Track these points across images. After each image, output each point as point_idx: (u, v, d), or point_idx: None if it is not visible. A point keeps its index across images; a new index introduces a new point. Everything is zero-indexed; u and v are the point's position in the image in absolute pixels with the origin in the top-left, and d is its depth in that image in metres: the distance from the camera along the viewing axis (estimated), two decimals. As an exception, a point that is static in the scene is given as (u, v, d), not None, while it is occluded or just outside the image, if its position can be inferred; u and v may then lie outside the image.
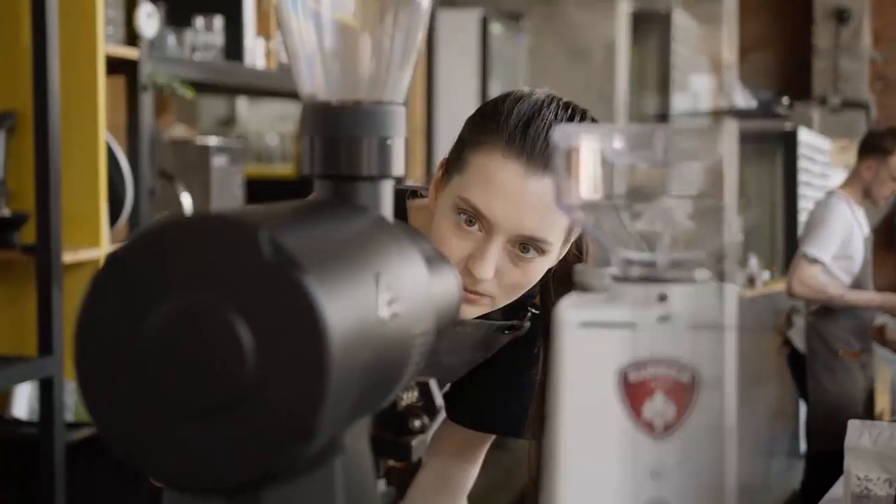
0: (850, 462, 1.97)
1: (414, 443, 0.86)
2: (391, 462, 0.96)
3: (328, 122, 0.83)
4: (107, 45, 2.57)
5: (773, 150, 6.81)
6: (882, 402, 4.66)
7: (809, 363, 4.35)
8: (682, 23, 7.50)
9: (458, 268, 1.25)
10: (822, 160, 7.52)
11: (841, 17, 9.33)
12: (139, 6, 2.66)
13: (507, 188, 1.23)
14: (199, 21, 3.07)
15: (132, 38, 2.68)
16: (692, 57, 7.99)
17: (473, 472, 1.51)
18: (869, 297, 4.38)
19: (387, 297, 0.71)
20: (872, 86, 9.63)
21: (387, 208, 0.84)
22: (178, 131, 3.67)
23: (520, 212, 1.23)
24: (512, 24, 5.39)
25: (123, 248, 0.66)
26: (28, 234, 2.43)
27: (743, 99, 5.56)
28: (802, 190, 7.01)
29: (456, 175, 1.28)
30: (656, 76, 7.37)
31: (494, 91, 5.69)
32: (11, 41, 2.47)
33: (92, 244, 2.52)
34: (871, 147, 4.34)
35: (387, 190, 0.84)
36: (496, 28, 5.12)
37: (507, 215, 1.23)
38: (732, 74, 5.42)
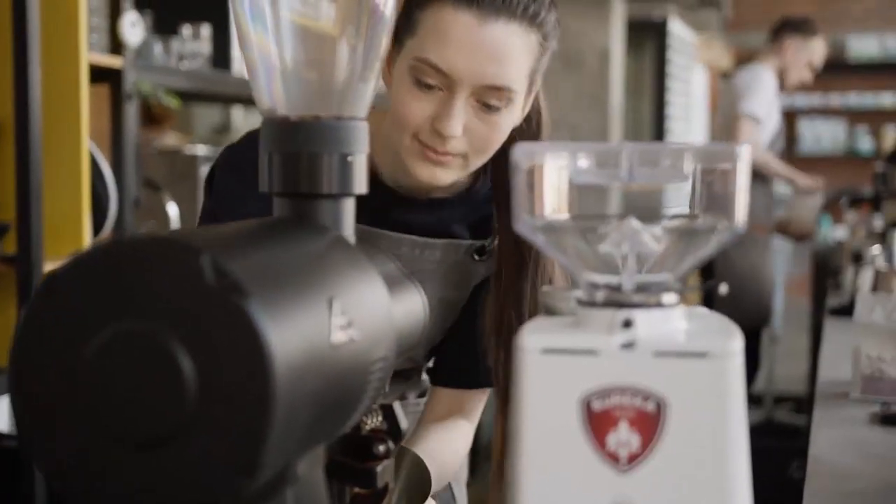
0: (859, 339, 1.83)
1: (379, 469, 0.83)
2: (356, 489, 0.93)
3: (287, 137, 0.80)
4: (91, 53, 2.54)
5: (643, 39, 6.97)
6: None
7: None
8: (678, 31, 7.49)
9: (423, 130, 1.24)
10: (688, 53, 7.71)
11: None
12: (124, 14, 2.63)
13: (463, 39, 1.20)
14: (186, 29, 3.04)
15: (117, 46, 2.65)
16: (688, 64, 8.00)
17: (471, 430, 1.46)
18: (788, 169, 4.60)
19: (341, 321, 0.68)
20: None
21: (348, 226, 0.82)
22: (171, 139, 3.64)
23: (479, 61, 1.20)
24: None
25: (63, 268, 0.63)
26: (9, 245, 2.40)
27: None
28: (669, 82, 7.19)
29: (407, 39, 1.25)
30: (652, 83, 7.37)
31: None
32: (-7, 49, 2.44)
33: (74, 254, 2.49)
34: (794, 27, 4.47)
35: (348, 207, 0.82)
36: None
37: (466, 67, 1.20)
38: None
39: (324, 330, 0.66)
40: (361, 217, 1.26)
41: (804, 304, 5.82)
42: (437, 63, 1.21)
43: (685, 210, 0.74)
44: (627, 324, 0.69)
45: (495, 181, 1.36)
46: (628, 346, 0.67)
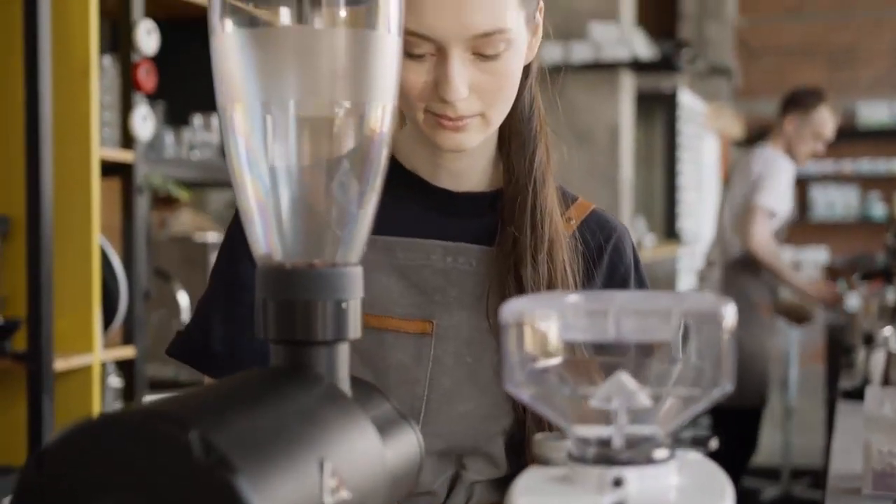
0: (870, 434, 1.79)
1: None
2: None
3: (282, 285, 0.81)
4: (102, 148, 2.57)
5: (653, 111, 7.01)
6: None
7: None
8: (688, 101, 7.54)
9: (431, 101, 1.15)
10: (699, 122, 7.75)
11: None
12: (135, 109, 2.67)
13: None
14: (197, 119, 3.08)
15: (128, 140, 2.69)
16: (698, 133, 8.04)
17: None
18: (806, 283, 4.58)
19: (332, 483, 0.69)
20: (736, 52, 9.82)
21: (342, 371, 0.82)
22: (185, 218, 3.67)
23: (457, 14, 1.11)
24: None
25: (52, 442, 0.64)
26: (19, 341, 2.41)
27: (644, 48, 5.60)
28: (679, 152, 7.22)
29: None
30: (663, 153, 7.41)
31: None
32: (4, 145, 2.47)
33: (85, 350, 2.50)
34: (794, 103, 4.49)
35: (343, 353, 0.82)
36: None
37: (446, 24, 1.11)
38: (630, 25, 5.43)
39: (315, 495, 0.66)
40: (390, 224, 1.24)
41: (820, 372, 5.80)
42: (416, 30, 1.12)
43: (677, 360, 0.74)
44: (618, 482, 0.69)
45: (500, 131, 1.27)
46: (618, 507, 0.67)
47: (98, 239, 2.53)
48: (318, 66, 0.80)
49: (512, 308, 0.71)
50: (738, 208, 4.49)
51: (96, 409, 2.55)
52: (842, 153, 10.04)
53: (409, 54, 1.14)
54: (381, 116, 0.83)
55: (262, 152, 0.82)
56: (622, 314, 0.70)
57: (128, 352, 2.72)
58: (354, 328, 0.82)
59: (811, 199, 10.24)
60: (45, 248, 2.38)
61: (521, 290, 1.19)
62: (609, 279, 1.27)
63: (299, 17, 0.82)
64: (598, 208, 1.31)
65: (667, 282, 7.00)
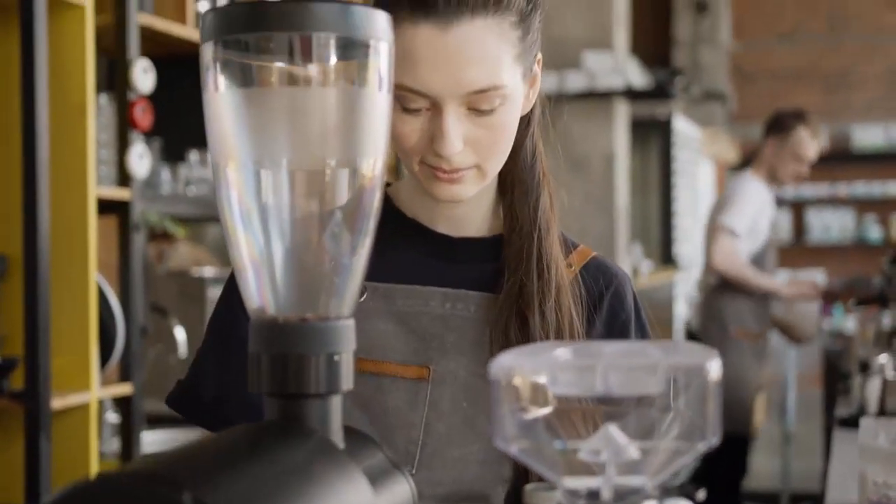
0: (865, 465, 1.79)
1: None
2: None
3: (275, 339, 0.82)
4: (99, 186, 2.59)
5: (648, 137, 7.04)
6: (760, 411, 4.58)
7: (702, 342, 4.31)
8: (682, 127, 7.58)
9: (426, 154, 1.16)
10: (694, 148, 7.78)
11: (700, 8, 9.52)
12: (132, 147, 2.69)
13: (429, 53, 1.11)
14: (193, 155, 3.10)
15: (125, 178, 2.70)
16: (694, 159, 8.07)
17: None
18: (780, 284, 4.52)
19: (324, 538, 0.70)
20: (731, 77, 9.88)
21: (335, 423, 0.83)
22: (183, 251, 3.68)
23: (452, 71, 1.11)
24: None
25: None
26: (17, 380, 2.42)
27: (638, 76, 5.62)
28: (674, 178, 7.25)
29: None
30: (658, 180, 7.44)
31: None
32: (2, 184, 2.49)
33: (82, 388, 2.51)
34: (773, 126, 4.52)
35: (335, 405, 0.83)
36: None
37: (441, 81, 1.11)
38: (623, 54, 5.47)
39: (307, 551, 0.67)
40: (391, 270, 1.25)
41: (818, 397, 5.80)
42: (412, 86, 1.12)
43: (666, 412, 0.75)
44: (607, 535, 0.70)
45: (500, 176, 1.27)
46: (607, 562, 0.68)
47: (95, 277, 2.54)
48: (310, 124, 0.81)
49: (502, 363, 0.72)
50: (708, 225, 4.52)
51: (94, 447, 2.55)
52: (837, 176, 10.07)
53: (404, 108, 1.15)
54: (372, 171, 0.84)
55: (254, 208, 0.83)
56: (610, 369, 0.72)
57: (125, 388, 2.73)
58: (347, 380, 0.83)
59: (807, 223, 10.27)
60: (42, 286, 2.40)
61: (527, 337, 1.20)
62: (610, 326, 1.28)
63: (291, 76, 0.83)
64: (599, 255, 1.32)
65: (664, 307, 7.00)
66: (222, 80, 0.81)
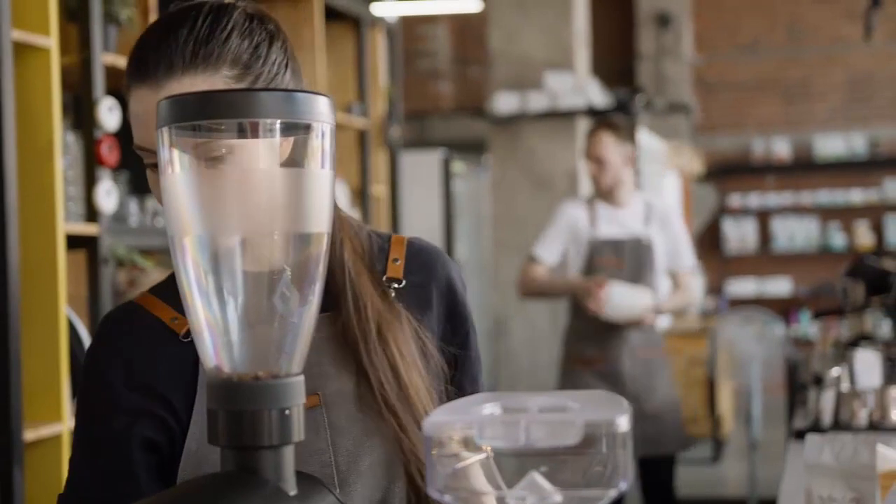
0: (810, 480, 1.86)
1: None
2: None
3: (230, 396, 0.90)
4: (67, 223, 2.65)
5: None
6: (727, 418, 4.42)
7: (559, 378, 4.23)
8: (647, 141, 7.69)
9: None
10: (659, 161, 7.90)
11: (662, 21, 9.65)
12: (98, 183, 2.75)
13: (144, 111, 1.18)
14: (160, 187, 3.16)
15: (92, 213, 2.76)
16: (658, 171, 8.19)
17: None
18: (564, 280, 4.14)
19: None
20: (694, 89, 10.04)
21: (288, 472, 0.90)
22: (154, 277, 3.73)
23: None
24: (474, 158, 5.52)
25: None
26: (-12, 414, 2.48)
27: (599, 95, 5.64)
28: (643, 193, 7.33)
29: None
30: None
31: (459, 226, 5.83)
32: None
33: (54, 420, 2.56)
34: None
35: (288, 455, 0.91)
36: (458, 166, 5.23)
37: (154, 136, 1.11)
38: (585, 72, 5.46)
39: None
40: None
41: (783, 403, 5.91)
42: (138, 143, 1.20)
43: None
44: (530, 574, 0.77)
45: None
46: None
47: (65, 310, 2.60)
48: (259, 200, 0.89)
49: (432, 421, 0.80)
50: None
51: (66, 476, 2.61)
52: (800, 185, 10.24)
53: (146, 166, 1.22)
54: (318, 239, 0.92)
55: (209, 276, 0.91)
56: (532, 423, 0.79)
57: (97, 418, 2.79)
58: (298, 431, 0.91)
59: (772, 231, 10.41)
60: (12, 321, 2.45)
61: (365, 372, 1.25)
62: (449, 308, 1.34)
63: (240, 157, 0.91)
64: (413, 238, 1.38)
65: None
66: (177, 162, 0.88)
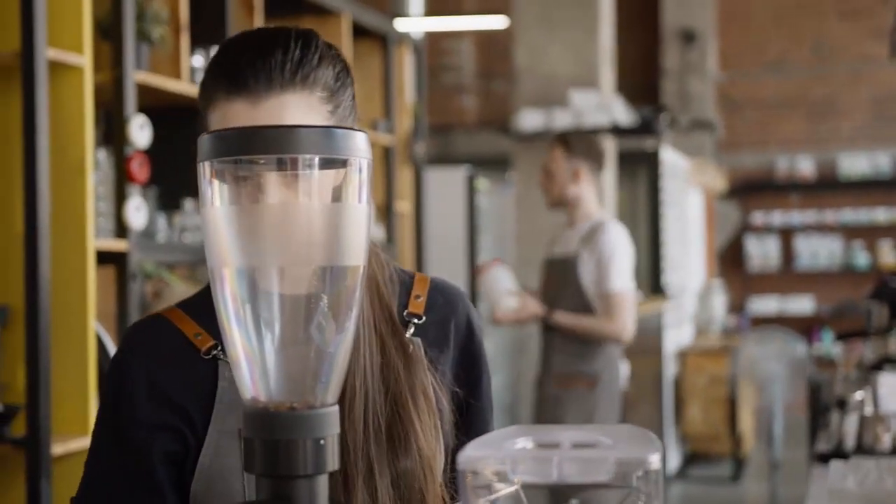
0: None
1: None
2: None
3: (267, 426, 0.91)
4: (97, 239, 2.68)
5: (635, 169, 7.12)
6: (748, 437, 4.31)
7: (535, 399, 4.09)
8: (670, 158, 7.69)
9: None
10: (682, 177, 7.88)
11: (687, 38, 9.62)
12: (128, 200, 2.78)
13: (241, 125, 1.19)
14: (189, 204, 3.19)
15: (122, 229, 2.79)
16: (682, 188, 8.19)
17: None
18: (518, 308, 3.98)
19: None
20: (718, 106, 10.01)
21: (322, 500, 0.92)
22: (179, 290, 3.75)
23: None
24: (499, 175, 5.53)
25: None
26: (18, 427, 2.50)
27: (623, 113, 5.63)
28: (663, 209, 7.34)
29: None
30: (647, 211, 7.55)
31: (483, 243, 5.84)
32: (4, 238, 2.57)
33: (82, 433, 2.59)
34: None
35: (322, 484, 0.92)
36: (482, 183, 5.24)
37: None
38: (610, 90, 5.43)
39: None
40: None
41: (805, 423, 5.88)
42: None
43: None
44: None
45: None
46: None
47: (94, 325, 2.63)
48: (297, 233, 0.91)
49: (467, 456, 0.82)
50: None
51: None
52: (824, 204, 10.20)
53: None
54: (354, 271, 0.94)
55: (247, 307, 0.92)
56: (564, 460, 0.81)
57: (123, 432, 2.81)
58: (332, 461, 0.92)
59: (795, 249, 10.38)
60: (42, 336, 2.48)
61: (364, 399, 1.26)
62: (464, 348, 1.36)
63: (279, 192, 0.93)
64: (436, 277, 1.40)
65: (653, 336, 7.10)
66: (218, 196, 0.90)
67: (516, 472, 0.82)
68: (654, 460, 0.80)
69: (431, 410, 1.28)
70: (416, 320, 1.33)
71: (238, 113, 1.21)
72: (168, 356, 1.29)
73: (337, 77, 1.26)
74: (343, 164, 0.91)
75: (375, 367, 1.27)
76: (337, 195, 0.91)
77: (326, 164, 0.90)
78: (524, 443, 0.85)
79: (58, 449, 2.52)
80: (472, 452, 0.82)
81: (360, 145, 0.92)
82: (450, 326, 1.35)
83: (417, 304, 1.34)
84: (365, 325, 1.29)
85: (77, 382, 2.59)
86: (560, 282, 3.99)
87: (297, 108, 1.22)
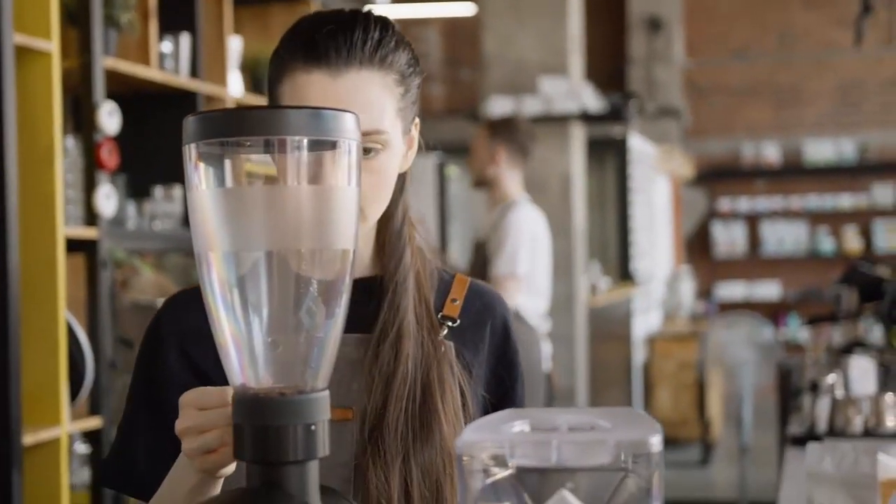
0: (812, 489, 1.87)
1: None
2: None
3: (256, 412, 0.90)
4: (67, 226, 2.64)
5: (603, 156, 7.17)
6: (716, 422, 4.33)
7: None
8: (638, 145, 7.71)
9: None
10: (649, 164, 7.93)
11: (654, 25, 9.67)
12: (98, 187, 2.74)
13: (320, 97, 1.20)
14: (159, 191, 3.16)
15: (92, 217, 2.76)
16: (649, 175, 8.21)
17: None
18: None
19: None
20: (685, 93, 10.07)
21: (312, 487, 0.91)
22: (147, 277, 3.72)
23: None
24: (466, 161, 5.51)
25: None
26: (-12, 418, 2.47)
27: (593, 100, 5.66)
28: (631, 195, 7.39)
29: None
30: (615, 197, 7.57)
31: (453, 231, 5.83)
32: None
33: (52, 423, 2.56)
34: None
35: (313, 470, 0.91)
36: (453, 171, 5.23)
37: None
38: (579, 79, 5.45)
39: None
40: None
41: (774, 407, 5.92)
42: None
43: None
44: None
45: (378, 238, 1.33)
46: None
47: (64, 314, 2.59)
48: (285, 216, 0.89)
49: (464, 440, 0.81)
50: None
51: (65, 480, 2.60)
52: (790, 190, 10.26)
53: None
54: (342, 254, 0.92)
55: (234, 291, 0.91)
56: (563, 443, 0.80)
57: (95, 422, 2.78)
58: (323, 447, 0.91)
59: (762, 235, 10.44)
60: (12, 324, 2.45)
61: (371, 377, 1.26)
62: (498, 355, 1.36)
63: (266, 175, 0.91)
64: (475, 280, 1.39)
65: (622, 323, 7.12)
66: (204, 179, 0.89)
67: (514, 456, 0.80)
68: (655, 442, 0.79)
69: (456, 406, 1.27)
70: (450, 323, 1.32)
71: (315, 84, 1.21)
72: (202, 327, 1.27)
73: (409, 63, 1.27)
74: (332, 146, 0.90)
75: (417, 354, 1.27)
76: (325, 177, 0.90)
77: (314, 145, 0.89)
78: (521, 426, 0.84)
79: (28, 439, 2.49)
80: (470, 436, 0.81)
81: (348, 127, 0.90)
82: (485, 330, 1.35)
83: (453, 308, 1.34)
84: (412, 312, 1.28)
85: (48, 372, 2.55)
86: (476, 264, 4.02)
87: (375, 84, 1.23)
